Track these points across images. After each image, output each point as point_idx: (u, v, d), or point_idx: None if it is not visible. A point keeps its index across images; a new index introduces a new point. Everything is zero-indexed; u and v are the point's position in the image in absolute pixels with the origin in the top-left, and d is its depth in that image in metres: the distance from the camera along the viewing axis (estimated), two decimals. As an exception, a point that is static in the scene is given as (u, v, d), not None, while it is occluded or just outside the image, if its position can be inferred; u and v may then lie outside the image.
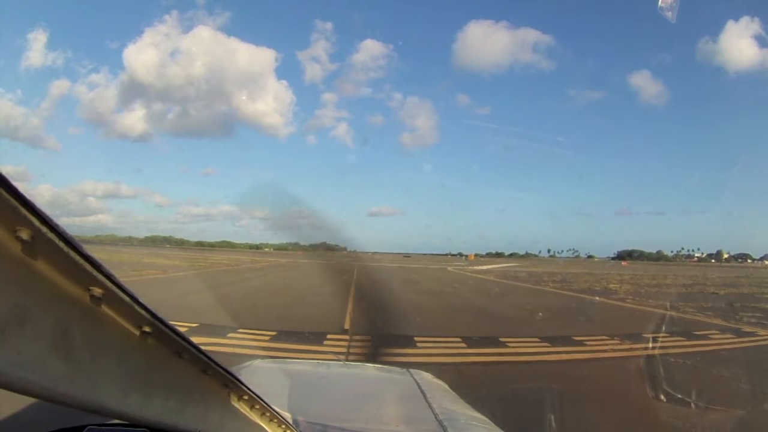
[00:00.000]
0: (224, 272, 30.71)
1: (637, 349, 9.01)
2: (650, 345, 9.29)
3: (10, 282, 0.52)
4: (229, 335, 8.79)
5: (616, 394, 6.34)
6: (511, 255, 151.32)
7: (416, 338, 9.35)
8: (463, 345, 8.96)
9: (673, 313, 14.61)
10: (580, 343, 9.46)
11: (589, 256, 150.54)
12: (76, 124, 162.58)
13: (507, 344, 9.15)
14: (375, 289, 21.74)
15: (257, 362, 2.64)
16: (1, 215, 0.50)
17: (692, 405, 5.78)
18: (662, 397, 5.90)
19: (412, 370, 2.65)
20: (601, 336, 10.28)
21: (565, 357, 8.28)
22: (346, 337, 9.32)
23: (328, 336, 9.23)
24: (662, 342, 9.73)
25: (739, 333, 11.47)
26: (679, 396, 5.90)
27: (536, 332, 10.52)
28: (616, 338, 10.04)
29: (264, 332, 9.34)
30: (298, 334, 9.63)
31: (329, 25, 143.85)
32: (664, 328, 11.63)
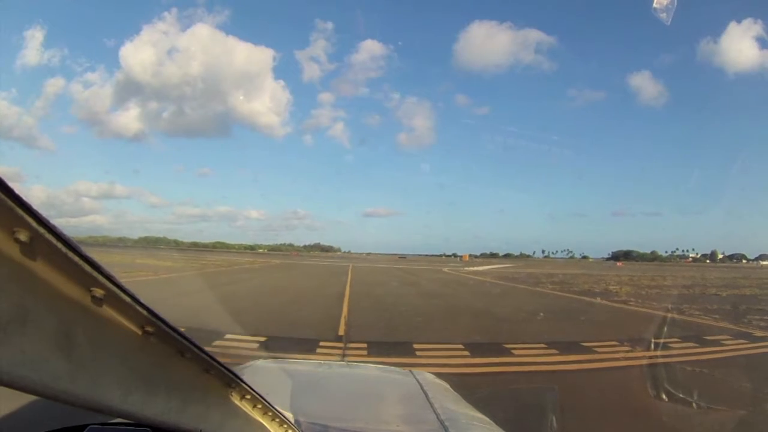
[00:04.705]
0: (217, 274, 30.08)
1: (650, 356, 8.47)
2: (664, 352, 8.77)
3: (10, 282, 0.52)
4: (215, 343, 8.18)
5: (638, 409, 5.79)
6: (506, 256, 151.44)
7: (415, 345, 8.78)
8: (466, 353, 8.38)
9: (679, 316, 14.15)
10: (590, 350, 8.91)
11: (584, 257, 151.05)
12: (70, 123, 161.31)
13: (512, 351, 8.58)
14: (370, 291, 21.13)
15: (259, 362, 2.63)
16: None
17: (714, 414, 5.54)
18: (689, 409, 5.55)
19: (413, 371, 2.62)
20: (610, 341, 9.73)
21: (576, 366, 7.72)
22: (341, 344, 8.74)
23: (321, 343, 8.64)
24: (675, 349, 9.21)
25: (751, 338, 10.99)
26: (706, 406, 5.65)
27: (541, 338, 9.95)
28: (626, 344, 9.49)
29: (252, 338, 8.74)
30: (289, 340, 9.11)
31: (329, 25, 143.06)
32: (673, 332, 11.10)
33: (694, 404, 5.71)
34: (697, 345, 9.75)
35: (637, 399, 6.13)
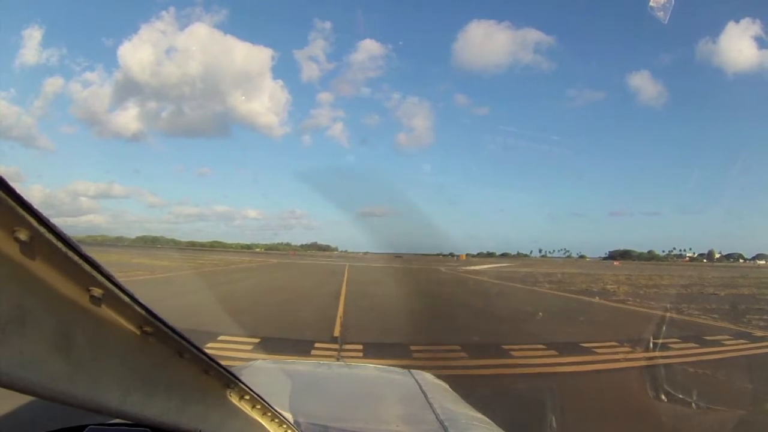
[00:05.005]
0: (212, 273, 29.84)
1: (651, 357, 8.33)
2: (664, 353, 8.64)
3: (9, 282, 0.52)
4: (208, 344, 8.00)
5: (640, 412, 5.67)
6: (503, 255, 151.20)
7: (412, 347, 8.62)
8: (464, 354, 8.22)
9: (678, 316, 14.05)
10: (590, 351, 8.77)
11: (581, 256, 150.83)
12: (69, 123, 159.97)
13: (511, 353, 8.43)
14: (366, 291, 20.95)
15: (258, 362, 2.64)
16: None
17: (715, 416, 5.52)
18: (691, 411, 5.49)
19: (413, 371, 2.61)
20: (610, 342, 9.60)
21: (576, 368, 7.56)
22: (336, 345, 8.55)
23: (316, 345, 8.45)
24: (675, 349, 9.10)
25: (751, 338, 10.89)
26: (706, 406, 5.63)
27: (540, 338, 9.80)
28: (626, 345, 9.37)
29: (246, 340, 8.55)
30: (284, 341, 8.94)
31: (328, 25, 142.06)
32: (672, 332, 10.96)
33: (694, 405, 5.62)
34: (697, 345, 9.63)
35: (639, 401, 6.00)
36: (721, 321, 13.45)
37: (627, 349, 9.07)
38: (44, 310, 0.56)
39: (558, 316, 14.44)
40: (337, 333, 9.79)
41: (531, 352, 8.55)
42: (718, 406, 5.88)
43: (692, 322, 13.12)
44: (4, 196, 0.50)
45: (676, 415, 5.42)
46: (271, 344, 8.55)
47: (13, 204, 0.51)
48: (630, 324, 13.04)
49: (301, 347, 8.22)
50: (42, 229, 0.54)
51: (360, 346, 8.44)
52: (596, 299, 19.68)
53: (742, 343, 10.20)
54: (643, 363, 7.97)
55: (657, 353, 8.53)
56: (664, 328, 11.91)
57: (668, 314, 14.69)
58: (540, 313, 14.79)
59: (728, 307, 17.15)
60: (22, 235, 0.52)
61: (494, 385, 6.61)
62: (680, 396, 5.81)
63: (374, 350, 8.23)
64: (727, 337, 10.87)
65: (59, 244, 0.56)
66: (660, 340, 9.73)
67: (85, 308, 0.62)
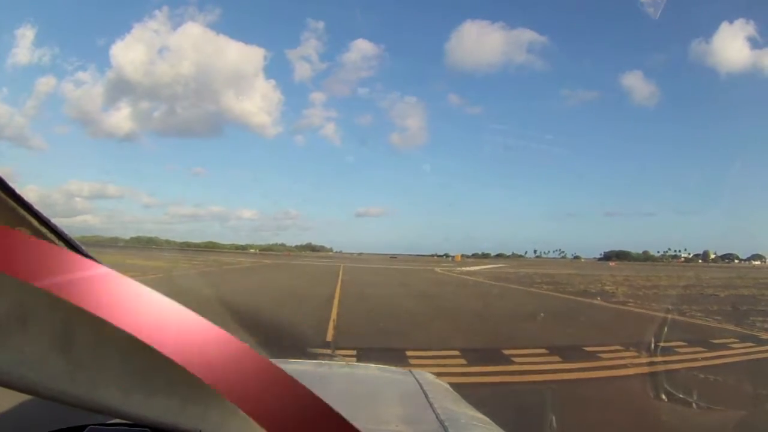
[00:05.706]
0: (205, 274, 29.40)
1: (658, 362, 7.96)
2: (672, 357, 8.30)
3: (11, 281, 0.52)
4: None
5: (653, 421, 5.31)
6: (498, 256, 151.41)
7: (408, 352, 8.26)
8: (463, 360, 7.83)
9: (680, 318, 13.75)
10: (594, 356, 8.40)
11: (576, 257, 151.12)
12: (62, 123, 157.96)
13: (512, 359, 8.04)
14: (361, 293, 20.56)
15: None
16: None
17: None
18: (703, 418, 5.43)
19: (413, 371, 2.54)
20: (614, 346, 9.26)
21: (582, 375, 7.20)
22: (328, 351, 8.17)
23: (307, 350, 8.05)
24: (683, 353, 8.78)
25: (758, 341, 10.62)
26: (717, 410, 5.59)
27: (541, 342, 9.43)
28: (631, 348, 9.01)
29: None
30: (275, 345, 8.50)
31: (321, 24, 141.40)
32: (677, 335, 10.63)
33: (699, 408, 5.48)
34: (704, 349, 9.30)
35: (651, 409, 5.64)
36: (725, 323, 13.16)
37: (633, 353, 8.72)
38: (46, 308, 0.55)
39: (558, 319, 14.07)
40: (329, 338, 9.40)
41: (533, 358, 8.17)
42: (735, 411, 5.62)
43: (696, 324, 12.83)
44: (4, 196, 0.50)
45: (689, 424, 5.15)
46: (261, 348, 8.12)
47: (14, 204, 0.51)
48: (633, 326, 12.68)
49: (291, 353, 7.82)
50: (43, 230, 0.54)
51: (353, 351, 8.06)
52: (596, 300, 19.38)
53: (750, 346, 9.91)
54: (651, 368, 7.62)
55: (664, 357, 8.17)
56: (667, 330, 11.58)
57: (671, 316, 14.38)
58: (540, 314, 14.48)
59: (730, 308, 16.88)
60: None
61: (495, 394, 6.23)
62: (694, 403, 5.53)
63: (369, 355, 7.83)
64: (733, 339, 10.59)
65: (61, 244, 0.56)
66: (665, 344, 9.38)
67: None
